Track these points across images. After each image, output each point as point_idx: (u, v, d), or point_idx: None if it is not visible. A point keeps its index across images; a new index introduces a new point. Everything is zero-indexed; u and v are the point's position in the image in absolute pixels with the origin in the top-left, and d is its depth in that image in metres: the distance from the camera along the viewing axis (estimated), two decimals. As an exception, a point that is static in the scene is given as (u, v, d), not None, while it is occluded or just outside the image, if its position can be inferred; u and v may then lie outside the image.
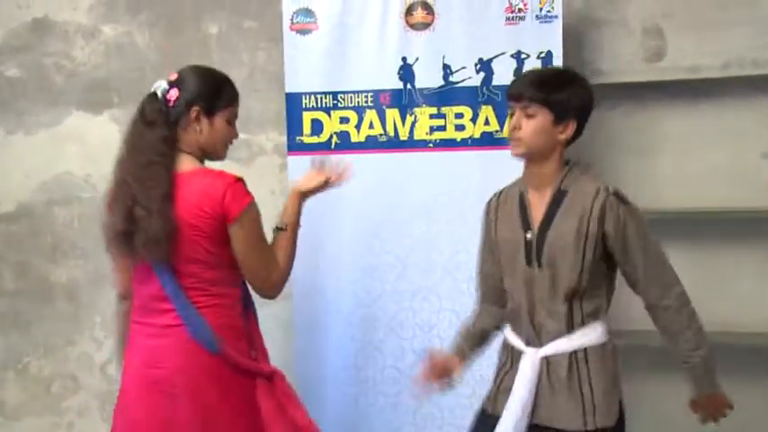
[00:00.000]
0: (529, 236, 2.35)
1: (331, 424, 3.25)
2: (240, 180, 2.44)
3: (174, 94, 2.44)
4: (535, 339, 2.35)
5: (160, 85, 2.47)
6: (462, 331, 2.63)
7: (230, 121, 2.54)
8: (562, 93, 2.30)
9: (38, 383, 3.72)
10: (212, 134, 2.50)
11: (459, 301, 3.21)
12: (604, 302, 2.39)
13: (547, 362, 2.34)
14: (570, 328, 2.32)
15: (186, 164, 2.43)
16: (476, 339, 2.60)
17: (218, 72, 2.58)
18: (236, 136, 2.60)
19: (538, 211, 2.36)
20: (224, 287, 2.46)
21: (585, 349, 2.33)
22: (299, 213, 2.58)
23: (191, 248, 2.36)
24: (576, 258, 2.27)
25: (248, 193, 2.44)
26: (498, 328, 2.56)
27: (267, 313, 3.49)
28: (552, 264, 2.30)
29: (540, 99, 2.29)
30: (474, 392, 3.17)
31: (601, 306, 2.37)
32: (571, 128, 2.32)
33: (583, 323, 2.33)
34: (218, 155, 2.57)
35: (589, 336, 2.33)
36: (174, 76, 2.49)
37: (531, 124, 2.30)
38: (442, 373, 2.53)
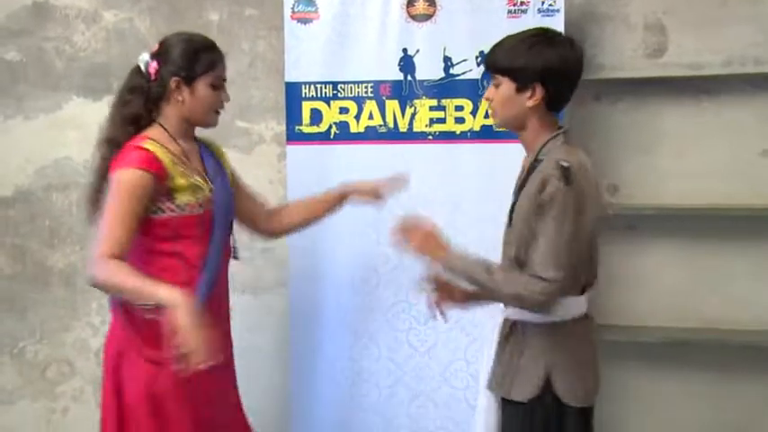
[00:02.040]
0: (512, 199, 2.40)
1: (325, 414, 3.29)
2: (140, 148, 2.38)
3: (154, 66, 2.45)
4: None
5: (143, 58, 2.49)
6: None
7: (215, 86, 2.50)
8: (521, 58, 2.27)
9: (33, 368, 3.73)
10: (195, 102, 2.47)
11: None
12: None
13: (504, 325, 2.39)
14: None
15: (142, 134, 2.44)
16: None
17: (197, 37, 2.55)
18: (225, 100, 2.55)
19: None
20: (143, 252, 2.44)
21: (524, 322, 2.33)
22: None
23: None
24: (524, 226, 2.27)
25: (136, 163, 2.35)
26: None
27: (262, 302, 3.56)
28: (515, 227, 2.33)
29: (500, 68, 2.32)
30: (468, 386, 3.22)
31: None
32: (539, 93, 2.27)
33: None
34: (206, 122, 2.54)
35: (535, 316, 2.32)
36: (155, 48, 2.50)
37: (498, 94, 2.33)
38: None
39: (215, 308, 2.50)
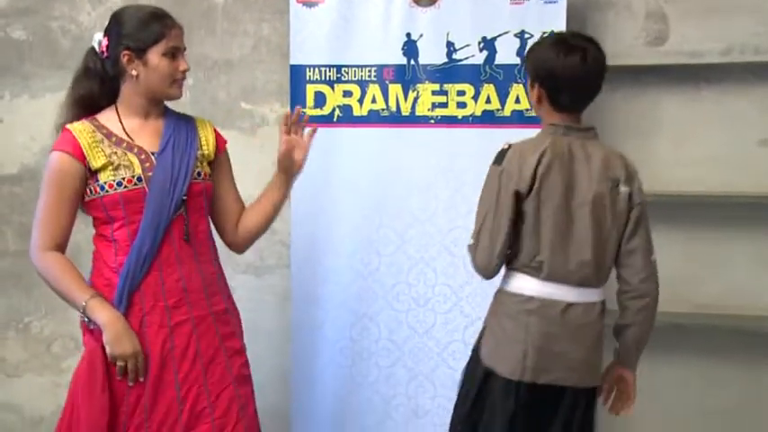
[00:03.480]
0: None
1: (326, 393, 3.32)
2: (65, 130, 2.37)
3: (104, 43, 2.40)
4: None
5: (96, 37, 2.44)
6: None
7: (169, 55, 2.39)
8: (527, 59, 2.53)
9: (39, 343, 3.77)
10: (149, 74, 2.39)
11: (455, 276, 3.26)
12: (515, 254, 2.45)
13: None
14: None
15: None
16: None
17: (146, 7, 2.48)
18: (184, 69, 2.44)
19: None
20: (94, 237, 2.47)
21: (496, 294, 2.53)
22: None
23: None
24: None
25: (60, 144, 2.35)
26: None
27: (265, 283, 3.59)
28: None
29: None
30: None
31: (511, 256, 2.46)
32: (536, 92, 2.45)
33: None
34: (168, 94, 2.46)
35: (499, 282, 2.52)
36: (107, 24, 2.45)
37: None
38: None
39: (159, 297, 2.42)
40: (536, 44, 2.59)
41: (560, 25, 3.13)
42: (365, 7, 3.27)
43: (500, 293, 2.51)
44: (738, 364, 3.47)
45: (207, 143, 2.63)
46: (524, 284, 2.44)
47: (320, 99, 3.31)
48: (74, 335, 3.71)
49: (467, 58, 3.25)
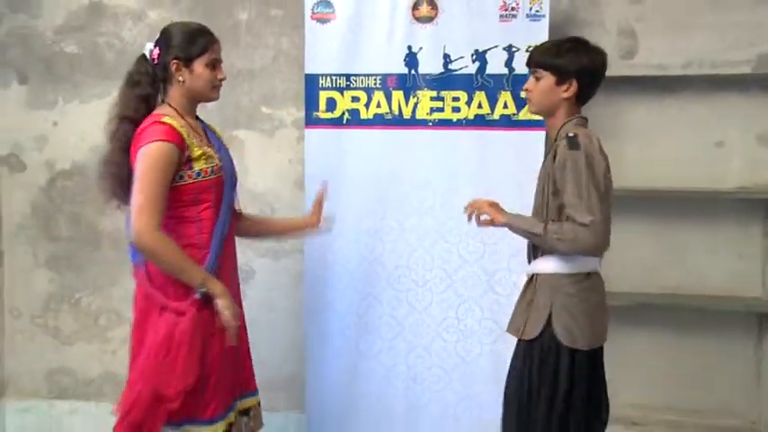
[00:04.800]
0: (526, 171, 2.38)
1: (334, 363, 2.98)
2: (161, 123, 2.10)
3: (155, 52, 2.21)
4: (527, 257, 2.29)
5: (148, 47, 2.25)
6: None
7: (211, 65, 2.22)
8: (562, 58, 2.16)
9: (88, 316, 3.39)
10: (194, 80, 2.20)
11: (450, 260, 2.92)
12: None
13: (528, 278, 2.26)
14: (534, 255, 2.22)
15: (155, 111, 2.18)
16: None
17: (192, 24, 2.30)
18: (221, 78, 2.26)
19: None
20: (164, 218, 2.10)
21: (538, 275, 2.20)
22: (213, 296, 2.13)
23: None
24: (543, 194, 2.18)
25: (159, 135, 2.07)
26: None
27: (281, 266, 3.21)
28: (536, 196, 2.24)
29: (543, 64, 2.19)
30: (458, 340, 2.94)
31: None
32: (573, 87, 2.16)
33: (542, 254, 2.18)
34: (207, 97, 2.26)
35: (541, 265, 2.18)
36: (158, 37, 2.25)
37: (539, 86, 2.19)
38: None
39: (228, 262, 2.27)
40: (562, 46, 2.21)
41: (543, 40, 2.70)
42: (371, 23, 2.90)
43: (555, 278, 2.15)
44: (696, 336, 3.14)
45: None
46: (583, 264, 2.16)
47: (331, 104, 2.93)
48: (117, 309, 3.38)
49: (461, 69, 2.88)
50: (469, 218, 2.28)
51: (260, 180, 3.15)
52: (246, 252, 2.95)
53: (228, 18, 3.16)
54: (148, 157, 2.05)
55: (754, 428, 3.06)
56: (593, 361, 2.17)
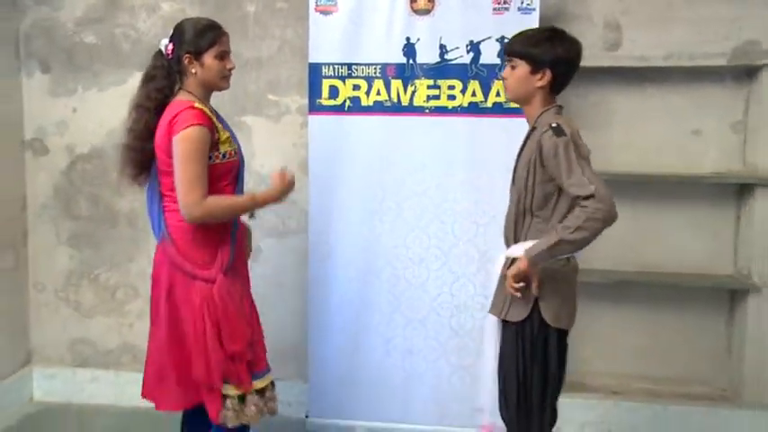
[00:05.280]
0: (515, 163, 2.11)
1: (336, 336, 2.86)
2: (194, 108, 2.06)
3: (170, 47, 2.15)
4: (505, 244, 2.13)
5: (163, 42, 2.18)
6: None
7: (220, 57, 2.15)
8: (537, 48, 2.01)
9: (106, 290, 3.25)
10: (205, 72, 2.14)
11: (445, 239, 2.79)
12: (550, 227, 1.98)
13: (505, 262, 2.10)
14: (517, 238, 2.06)
15: (176, 99, 2.13)
16: None
17: (203, 20, 2.20)
18: (231, 67, 2.19)
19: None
20: None
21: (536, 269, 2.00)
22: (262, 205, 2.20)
23: (160, 162, 2.11)
24: (527, 181, 2.01)
25: (195, 119, 2.03)
26: None
27: (287, 245, 3.07)
28: (517, 184, 2.07)
29: (518, 53, 2.04)
30: (452, 315, 2.83)
31: (543, 228, 2.00)
32: (547, 76, 2.01)
33: (526, 237, 2.03)
34: (218, 86, 2.19)
35: (522, 249, 1.99)
36: (171, 33, 2.18)
37: (514, 74, 2.05)
38: None
39: (240, 235, 2.25)
40: (537, 36, 2.05)
41: None
42: (371, 15, 2.76)
43: (548, 266, 1.98)
44: (672, 311, 3.03)
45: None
46: None
47: (334, 92, 2.78)
48: (133, 284, 3.24)
49: (456, 59, 2.73)
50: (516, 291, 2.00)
51: (266, 163, 3.00)
52: (254, 231, 2.79)
53: (237, 10, 2.99)
54: (188, 140, 2.02)
55: (724, 395, 2.98)
56: (566, 336, 2.09)
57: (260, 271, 2.93)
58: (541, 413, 2.03)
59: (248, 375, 2.11)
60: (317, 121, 2.79)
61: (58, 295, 3.26)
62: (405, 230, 2.79)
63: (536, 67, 1.99)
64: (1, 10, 3.06)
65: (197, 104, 2.06)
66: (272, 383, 2.20)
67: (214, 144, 2.07)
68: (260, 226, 2.91)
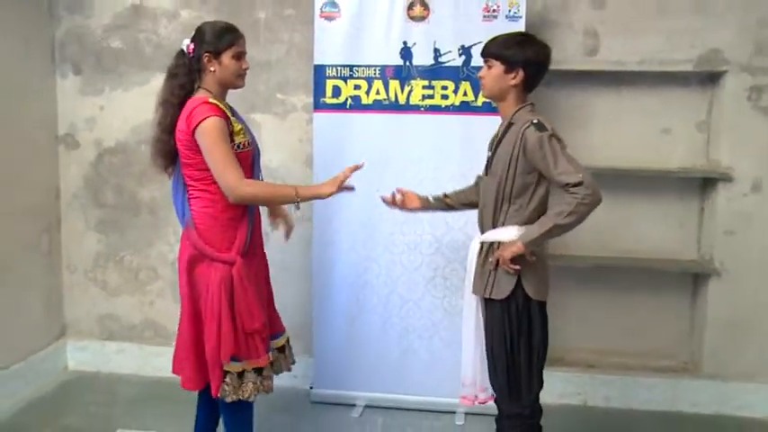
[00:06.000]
0: (489, 154, 2.00)
1: (339, 315, 2.67)
2: (208, 103, 1.90)
3: (191, 47, 1.99)
4: (480, 229, 2.00)
5: (185, 42, 2.01)
6: (450, 191, 2.23)
7: (236, 57, 1.98)
8: (510, 50, 1.91)
9: (130, 272, 3.05)
10: (223, 70, 1.97)
11: (438, 227, 2.60)
12: (527, 213, 1.89)
13: (481, 247, 1.96)
14: (495, 224, 1.93)
15: (195, 96, 1.95)
16: (447, 199, 2.21)
17: (220, 22, 2.03)
18: (246, 67, 2.01)
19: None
20: (206, 184, 1.93)
21: (501, 243, 1.90)
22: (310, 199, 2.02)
23: (182, 155, 1.94)
24: (506, 172, 1.88)
25: (210, 111, 1.88)
26: (469, 206, 2.18)
27: (293, 233, 2.82)
28: (494, 174, 1.93)
29: (493, 54, 1.93)
30: (444, 296, 2.64)
31: (522, 216, 1.89)
32: (520, 76, 1.90)
33: (504, 223, 1.91)
34: (235, 84, 2.02)
35: (503, 235, 1.90)
36: (193, 34, 2.01)
37: (490, 73, 1.94)
38: (401, 203, 2.22)
39: (258, 221, 2.07)
40: (511, 39, 1.93)
41: None
42: (371, 21, 2.56)
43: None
44: (642, 293, 2.85)
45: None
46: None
47: (336, 91, 2.58)
48: (153, 267, 3.03)
49: (449, 62, 2.54)
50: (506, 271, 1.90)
51: (274, 157, 2.80)
52: (264, 219, 2.60)
53: (249, 17, 2.78)
54: (209, 131, 1.87)
55: (686, 367, 2.82)
56: (545, 308, 1.99)
57: (269, 256, 2.67)
58: (529, 380, 1.93)
59: (265, 351, 1.96)
60: (321, 118, 2.59)
61: (88, 276, 3.06)
62: (401, 218, 2.57)
63: (510, 66, 1.89)
64: (40, 20, 2.87)
65: (211, 99, 1.90)
66: (272, 364, 2.01)
67: (229, 135, 1.92)
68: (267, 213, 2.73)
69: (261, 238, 2.09)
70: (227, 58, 1.94)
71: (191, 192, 1.95)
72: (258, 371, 1.95)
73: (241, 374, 1.92)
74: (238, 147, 1.93)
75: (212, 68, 1.94)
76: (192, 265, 1.95)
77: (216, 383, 1.91)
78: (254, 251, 2.01)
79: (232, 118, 1.94)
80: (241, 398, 1.92)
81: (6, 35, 2.65)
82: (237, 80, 2.00)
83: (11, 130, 2.70)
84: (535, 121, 1.83)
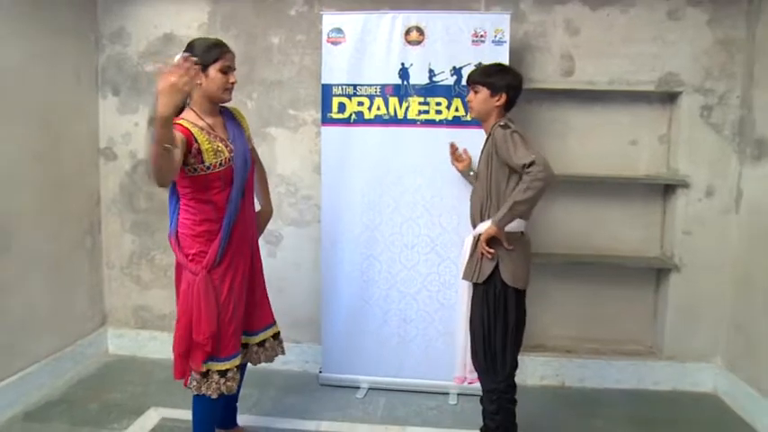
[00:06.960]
0: (476, 160, 1.98)
1: (344, 307, 2.41)
2: (177, 123, 1.62)
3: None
4: (472, 226, 1.89)
5: (177, 56, 1.64)
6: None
7: (223, 71, 1.69)
8: (493, 77, 1.85)
9: (160, 269, 2.78)
10: (210, 83, 1.70)
11: (433, 229, 2.34)
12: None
13: (473, 239, 1.86)
14: (482, 218, 1.83)
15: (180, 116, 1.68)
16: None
17: (211, 39, 1.76)
18: (232, 81, 1.71)
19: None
20: (187, 199, 1.70)
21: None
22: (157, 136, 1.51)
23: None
24: (487, 171, 1.81)
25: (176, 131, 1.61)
26: None
27: (303, 234, 2.56)
28: (479, 176, 1.86)
29: (480, 81, 1.86)
30: (439, 290, 2.37)
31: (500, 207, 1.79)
32: (503, 98, 1.84)
33: (489, 216, 1.80)
34: (221, 98, 1.72)
35: (486, 224, 1.79)
36: (185, 49, 1.73)
37: (477, 97, 1.86)
38: (457, 156, 2.19)
39: (239, 231, 1.76)
40: (492, 69, 1.87)
41: (504, 60, 2.19)
42: (373, 45, 2.30)
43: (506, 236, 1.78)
44: (612, 286, 2.59)
45: (246, 127, 1.89)
46: (517, 226, 1.79)
47: (342, 107, 2.32)
48: None
49: (442, 81, 2.28)
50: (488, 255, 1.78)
51: (287, 166, 2.55)
52: (277, 221, 2.37)
53: (264, 41, 2.52)
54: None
55: (651, 351, 2.57)
56: (523, 297, 1.85)
57: (282, 254, 2.51)
58: (503, 359, 1.81)
59: (200, 361, 1.71)
60: (328, 131, 2.33)
61: (124, 272, 2.79)
62: (400, 221, 2.34)
63: (494, 90, 1.84)
64: (88, 49, 2.64)
65: (182, 121, 1.64)
66: (237, 368, 1.78)
67: (196, 155, 1.64)
68: (281, 216, 2.46)
69: (248, 241, 1.81)
70: (213, 71, 1.68)
71: (180, 201, 1.71)
72: (222, 373, 1.72)
73: (206, 374, 1.71)
74: (208, 168, 1.64)
75: (199, 81, 1.67)
76: (179, 269, 1.80)
77: (178, 374, 1.73)
78: (236, 259, 1.75)
79: (205, 137, 1.65)
80: (205, 393, 1.71)
81: (63, 64, 2.46)
82: (224, 94, 1.71)
83: (64, 145, 2.49)
84: (501, 123, 1.79)
